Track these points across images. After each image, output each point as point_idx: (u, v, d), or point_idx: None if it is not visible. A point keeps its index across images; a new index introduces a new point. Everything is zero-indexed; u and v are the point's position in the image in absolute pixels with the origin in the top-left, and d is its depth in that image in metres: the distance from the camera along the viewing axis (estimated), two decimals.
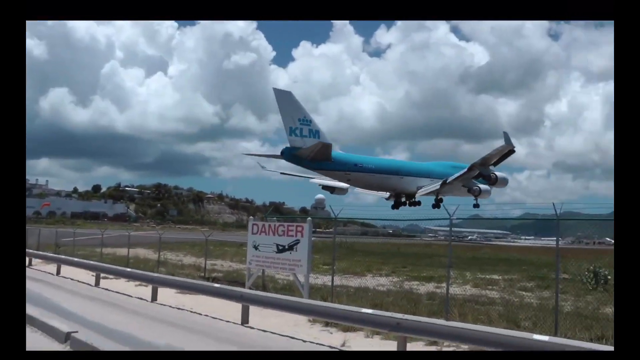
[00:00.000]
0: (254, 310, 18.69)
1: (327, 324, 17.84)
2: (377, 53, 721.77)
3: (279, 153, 44.77)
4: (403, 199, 52.73)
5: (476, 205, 48.54)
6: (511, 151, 42.42)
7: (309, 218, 21.98)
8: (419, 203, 53.31)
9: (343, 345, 15.37)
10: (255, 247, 22.77)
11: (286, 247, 21.41)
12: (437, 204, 49.48)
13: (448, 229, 19.56)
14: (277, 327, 17.67)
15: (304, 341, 15.94)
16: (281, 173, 51.73)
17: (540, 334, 13.36)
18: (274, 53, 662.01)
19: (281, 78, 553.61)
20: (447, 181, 47.25)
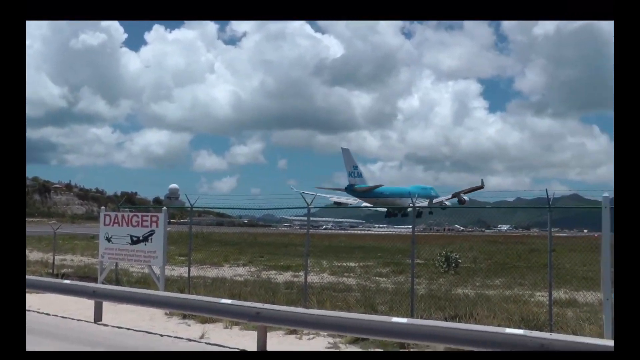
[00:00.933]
0: (107, 306, 18.02)
1: (184, 316, 17.57)
2: (233, 41, 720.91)
3: (329, 186, 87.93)
4: (394, 211, 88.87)
5: (431, 212, 78.81)
6: (480, 188, 71.48)
7: (165, 208, 21.52)
8: (407, 215, 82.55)
9: (202, 337, 15.20)
10: (108, 239, 21.96)
11: (141, 238, 20.81)
12: (419, 215, 74.35)
13: (303, 218, 19.78)
14: (132, 322, 17.18)
15: (162, 335, 15.62)
16: (301, 193, 63.24)
17: (398, 316, 13.81)
18: (126, 35, 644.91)
19: (132, 62, 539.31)
20: (434, 201, 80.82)
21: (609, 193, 13.07)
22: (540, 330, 13.36)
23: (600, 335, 12.89)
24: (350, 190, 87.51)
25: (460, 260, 31.12)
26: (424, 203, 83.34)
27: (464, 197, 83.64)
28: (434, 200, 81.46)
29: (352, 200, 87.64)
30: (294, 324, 14.26)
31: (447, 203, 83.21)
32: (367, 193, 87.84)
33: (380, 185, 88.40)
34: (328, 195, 77.05)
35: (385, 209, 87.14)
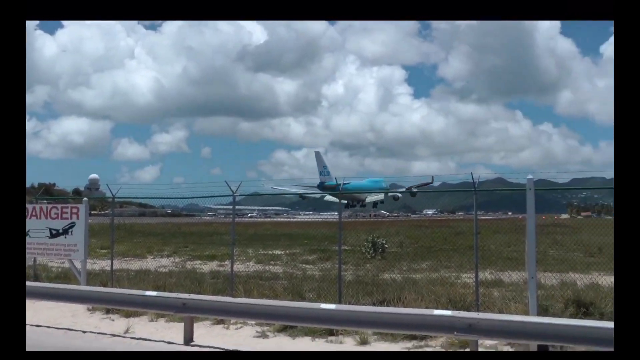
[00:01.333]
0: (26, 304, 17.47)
1: (108, 311, 17.25)
2: (153, 26, 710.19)
3: (309, 186, 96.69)
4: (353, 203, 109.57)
5: (382, 202, 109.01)
6: (430, 183, 70.06)
7: (85, 199, 21.04)
8: (364, 206, 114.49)
9: (127, 332, 14.96)
10: (25, 234, 21.31)
11: (60, 231, 20.29)
12: (375, 205, 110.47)
13: (227, 207, 19.65)
14: (52, 320, 16.75)
15: (84, 332, 15.32)
16: (272, 187, 64.53)
17: (326, 303, 13.93)
18: None
19: (48, 45, 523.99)
20: (389, 194, 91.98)
21: (533, 175, 13.53)
22: (468, 310, 13.71)
23: (526, 313, 13.33)
24: (322, 187, 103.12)
25: (386, 245, 31.50)
26: (380, 195, 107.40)
27: (415, 191, 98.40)
28: (390, 193, 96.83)
29: (316, 195, 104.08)
30: (222, 314, 14.24)
31: (399, 195, 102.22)
32: (335, 189, 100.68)
33: (348, 183, 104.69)
34: (295, 190, 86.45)
35: (345, 201, 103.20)
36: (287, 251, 35.37)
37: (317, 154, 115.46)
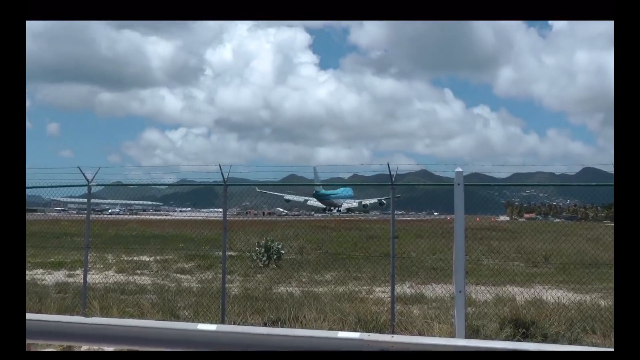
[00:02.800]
0: None
1: None
2: None
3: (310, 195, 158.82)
4: (331, 208, 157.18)
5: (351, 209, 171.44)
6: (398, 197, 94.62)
7: None
8: (340, 211, 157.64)
9: None
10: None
11: None
12: (348, 211, 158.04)
13: (80, 200, 19.22)
14: None
15: None
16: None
17: (206, 322, 13.79)
18: None
19: None
20: (362, 203, 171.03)
21: (463, 168, 13.65)
22: (381, 332, 13.82)
23: (452, 335, 13.53)
24: (316, 195, 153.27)
25: (283, 251, 31.57)
26: (352, 201, 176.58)
27: (383, 201, 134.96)
28: (363, 202, 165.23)
29: (300, 198, 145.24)
30: (69, 338, 13.78)
31: (367, 204, 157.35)
32: (325, 197, 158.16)
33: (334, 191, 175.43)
34: (283, 194, 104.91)
35: (324, 206, 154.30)
36: (158, 257, 34.96)
37: (315, 169, 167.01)
